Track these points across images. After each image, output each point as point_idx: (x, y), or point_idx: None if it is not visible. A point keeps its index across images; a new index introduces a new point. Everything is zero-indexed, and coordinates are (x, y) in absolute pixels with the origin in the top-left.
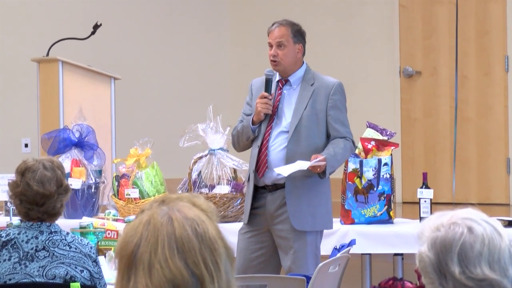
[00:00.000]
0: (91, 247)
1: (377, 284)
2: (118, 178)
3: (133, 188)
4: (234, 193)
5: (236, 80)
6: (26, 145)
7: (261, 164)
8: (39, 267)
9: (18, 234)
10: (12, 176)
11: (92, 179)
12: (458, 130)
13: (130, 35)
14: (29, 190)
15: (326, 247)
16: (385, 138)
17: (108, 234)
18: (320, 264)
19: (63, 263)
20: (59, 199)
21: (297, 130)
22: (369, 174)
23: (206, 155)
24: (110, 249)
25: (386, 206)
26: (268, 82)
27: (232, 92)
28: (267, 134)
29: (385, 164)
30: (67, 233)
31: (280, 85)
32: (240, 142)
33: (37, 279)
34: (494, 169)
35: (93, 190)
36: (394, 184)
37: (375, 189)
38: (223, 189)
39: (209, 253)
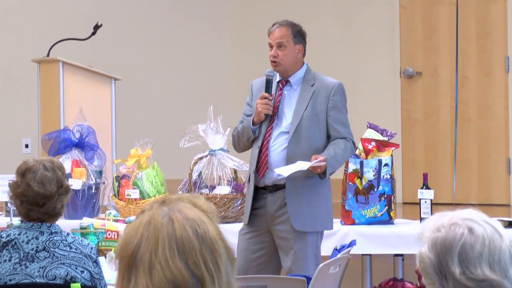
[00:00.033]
0: (91, 248)
1: (378, 284)
2: (119, 178)
3: (134, 188)
4: (235, 193)
5: (236, 81)
6: (26, 146)
7: (261, 165)
8: (40, 267)
9: (19, 234)
10: (12, 177)
11: (92, 180)
12: (459, 130)
13: (130, 36)
14: (30, 191)
15: (326, 248)
16: (386, 138)
17: (109, 234)
18: (321, 265)
19: (63, 263)
20: (59, 200)
21: (298, 130)
22: (369, 174)
23: (206, 156)
24: (111, 249)
25: (387, 207)
26: (268, 83)
27: (232, 92)
28: (267, 135)
29: (386, 164)
30: (68, 234)
31: (280, 85)
32: (240, 143)
33: (38, 280)
34: (494, 169)
35: (93, 190)
36: (395, 185)
37: (375, 189)
38: (224, 189)
39: (210, 254)
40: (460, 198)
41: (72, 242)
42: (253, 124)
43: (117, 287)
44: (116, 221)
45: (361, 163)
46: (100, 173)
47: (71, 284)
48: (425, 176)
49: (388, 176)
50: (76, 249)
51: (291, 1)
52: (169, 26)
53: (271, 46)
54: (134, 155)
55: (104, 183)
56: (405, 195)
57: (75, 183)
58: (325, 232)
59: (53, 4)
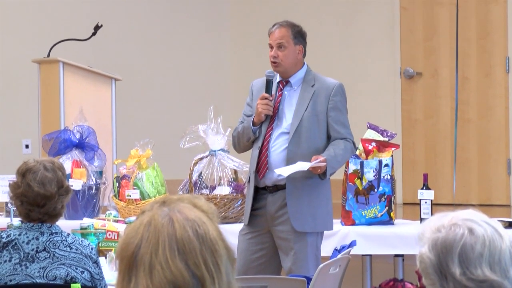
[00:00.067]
0: (91, 248)
1: (378, 285)
2: (119, 179)
3: (134, 189)
4: (235, 194)
5: (236, 81)
6: (26, 146)
7: (261, 165)
8: (40, 268)
9: (19, 235)
10: (12, 177)
11: (92, 180)
12: (459, 131)
13: (131, 36)
14: (30, 191)
15: (326, 248)
16: (386, 139)
17: (109, 235)
18: (321, 265)
19: (63, 264)
20: (59, 200)
21: (298, 131)
22: (369, 175)
23: (206, 156)
24: (111, 250)
25: (387, 207)
26: (268, 83)
27: (232, 93)
28: (267, 135)
29: (386, 165)
30: (68, 234)
31: (280, 86)
32: (240, 143)
33: (38, 280)
34: (494, 170)
35: (93, 191)
36: (395, 185)
37: (375, 190)
38: (224, 190)
39: (210, 254)
40: (460, 199)
41: (73, 242)
42: (253, 124)
43: (117, 287)
44: (117, 221)
45: (362, 164)
46: (100, 173)
47: (71, 285)
48: (425, 176)
49: (388, 177)
50: (76, 250)
51: (291, 1)
52: (169, 26)
53: (271, 47)
54: (135, 155)
55: (104, 183)
56: (405, 195)
57: (76, 184)
58: (325, 232)
59: (54, 5)
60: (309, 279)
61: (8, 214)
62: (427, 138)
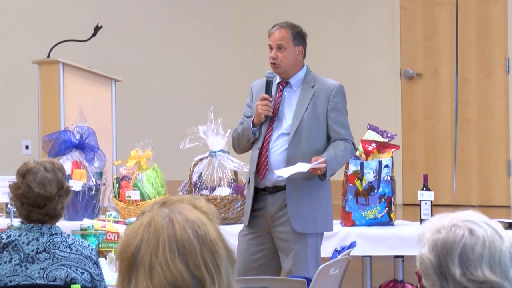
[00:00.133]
0: (91, 249)
1: (378, 286)
2: (119, 180)
3: (134, 190)
4: (235, 195)
5: (236, 82)
6: (26, 147)
7: (261, 166)
8: (40, 269)
9: (19, 236)
10: (13, 178)
11: (92, 181)
12: (459, 132)
13: (131, 37)
14: (30, 192)
15: (326, 249)
16: (386, 140)
17: (109, 236)
18: (321, 266)
19: (63, 265)
20: (60, 201)
21: (298, 132)
22: (369, 176)
23: (206, 157)
24: (111, 251)
25: (387, 208)
26: (268, 84)
27: (232, 94)
28: (267, 136)
29: (386, 166)
30: (68, 235)
31: (280, 87)
32: (240, 144)
33: (38, 281)
34: (494, 171)
35: (93, 192)
36: (395, 186)
37: (375, 191)
38: (224, 191)
39: (210, 255)
40: (460, 200)
41: (73, 243)
42: (253, 125)
43: None
44: (117, 222)
45: (362, 165)
46: (100, 174)
47: (71, 286)
48: (425, 177)
49: (388, 178)
50: (76, 251)
51: (292, 2)
52: (169, 27)
53: (271, 48)
54: (135, 156)
55: (104, 184)
56: (405, 196)
57: (76, 185)
58: (325, 233)
59: (54, 6)
60: (309, 280)
61: (8, 215)
62: (427, 139)
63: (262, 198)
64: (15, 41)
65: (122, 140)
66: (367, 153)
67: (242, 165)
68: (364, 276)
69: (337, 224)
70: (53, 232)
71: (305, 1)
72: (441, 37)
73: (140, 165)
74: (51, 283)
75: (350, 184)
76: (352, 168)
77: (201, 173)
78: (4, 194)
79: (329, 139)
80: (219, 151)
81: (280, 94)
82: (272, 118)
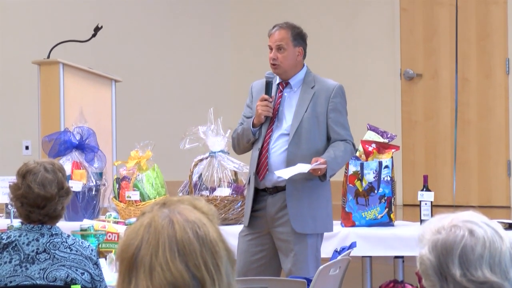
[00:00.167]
0: (92, 250)
1: (378, 286)
2: (119, 180)
3: (134, 190)
4: (235, 195)
5: (236, 83)
6: (27, 148)
7: (261, 167)
8: (40, 269)
9: (19, 236)
10: (13, 179)
11: (92, 182)
12: (459, 132)
13: (131, 38)
14: (30, 193)
15: (326, 250)
16: (386, 140)
17: (109, 236)
18: (321, 267)
19: (64, 265)
20: (60, 202)
21: (298, 132)
22: (369, 176)
23: (206, 158)
24: (111, 251)
25: (387, 209)
26: (268, 85)
27: (232, 94)
28: (267, 137)
29: (386, 166)
30: (68, 236)
31: (280, 87)
32: (240, 145)
33: (38, 282)
34: (494, 171)
35: (93, 192)
36: (395, 187)
37: (375, 191)
38: (224, 191)
39: (210, 256)
40: (460, 200)
41: (73, 244)
42: (253, 126)
43: None
44: (117, 223)
45: (362, 165)
46: (100, 175)
47: (72, 286)
48: (425, 178)
49: (388, 178)
50: (76, 251)
51: (292, 2)
52: (169, 28)
53: (271, 49)
54: (135, 157)
55: (104, 185)
56: (405, 197)
57: (76, 185)
58: (325, 234)
59: (54, 6)
60: (309, 281)
61: (8, 215)
62: (427, 139)
63: (262, 198)
64: (15, 41)
65: (122, 141)
66: (367, 154)
67: (242, 165)
68: (364, 276)
69: (337, 225)
70: (53, 232)
71: (305, 1)
72: (441, 37)
73: (140, 165)
74: (51, 283)
75: (350, 185)
76: (352, 168)
77: (201, 174)
78: (4, 194)
79: (329, 140)
80: (219, 151)
81: (280, 94)
82: (272, 119)
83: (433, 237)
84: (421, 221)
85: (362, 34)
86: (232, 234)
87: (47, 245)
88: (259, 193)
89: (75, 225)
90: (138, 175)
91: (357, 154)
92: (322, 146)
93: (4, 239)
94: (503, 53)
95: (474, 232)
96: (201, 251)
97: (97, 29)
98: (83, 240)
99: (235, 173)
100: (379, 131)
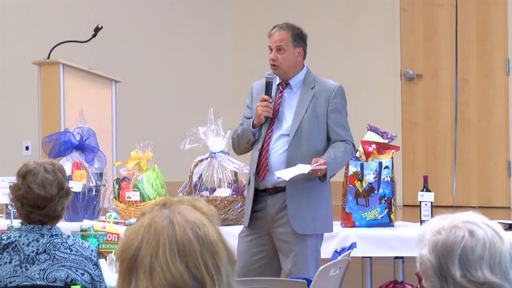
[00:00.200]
0: (92, 250)
1: (378, 287)
2: (119, 181)
3: (134, 191)
4: (235, 196)
5: (237, 83)
6: (27, 148)
7: (261, 167)
8: (40, 270)
9: (19, 237)
10: (13, 179)
11: (93, 182)
12: (459, 133)
13: (131, 38)
14: (30, 193)
15: (326, 250)
16: (386, 141)
17: (109, 237)
18: (321, 267)
19: (64, 266)
20: (60, 202)
21: (298, 133)
22: (370, 177)
23: (207, 158)
24: (111, 252)
25: (387, 209)
26: (268, 85)
27: (233, 95)
28: (267, 137)
29: (386, 167)
30: (68, 236)
31: (280, 88)
32: (240, 145)
33: (38, 282)
34: (495, 172)
35: (94, 193)
36: (395, 187)
37: (375, 192)
38: (224, 192)
39: (210, 257)
40: (461, 201)
41: (73, 244)
42: (253, 126)
43: None
44: (117, 223)
45: (362, 166)
46: (100, 175)
47: (72, 287)
48: (425, 178)
49: (389, 179)
50: (76, 252)
51: (292, 2)
52: (169, 28)
53: (271, 49)
54: (135, 157)
55: (104, 185)
56: (406, 197)
57: (76, 186)
58: (326, 234)
59: (54, 7)
60: (309, 281)
61: (8, 216)
62: (427, 140)
63: (262, 199)
64: (15, 42)
65: (122, 141)
66: (367, 154)
67: (242, 166)
68: (364, 277)
69: (337, 225)
70: (53, 233)
71: (305, 2)
72: (441, 38)
73: (140, 166)
74: (51, 284)
75: (350, 185)
76: (352, 169)
77: (201, 174)
78: (4, 195)
79: (329, 140)
80: (219, 152)
81: (280, 95)
82: (272, 119)
83: (433, 237)
84: (421, 221)
85: (362, 34)
86: (232, 234)
87: (47, 245)
88: (259, 194)
89: (75, 226)
90: (138, 175)
91: (357, 154)
92: (322, 147)
93: (4, 239)
94: (503, 53)
95: (474, 233)
96: (201, 251)
97: (97, 29)
98: (83, 241)
99: (235, 174)
100: (379, 132)
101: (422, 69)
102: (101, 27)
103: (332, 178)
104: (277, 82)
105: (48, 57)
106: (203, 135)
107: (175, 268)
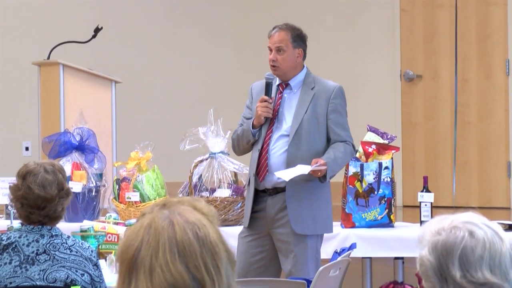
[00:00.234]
0: (91, 251)
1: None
2: (119, 181)
3: (134, 191)
4: (235, 196)
5: (236, 84)
6: (27, 149)
7: (261, 168)
8: (40, 270)
9: (19, 237)
10: (13, 180)
11: (92, 183)
12: (459, 133)
13: (131, 39)
14: (30, 194)
15: (326, 251)
16: (386, 141)
17: (109, 237)
18: (321, 268)
19: (63, 266)
20: (60, 203)
21: (298, 134)
22: (369, 177)
23: (206, 159)
24: (111, 252)
25: (387, 210)
26: (268, 86)
27: (232, 95)
28: (267, 138)
29: (386, 167)
30: (68, 237)
31: (280, 89)
32: (240, 146)
33: (38, 283)
34: (494, 172)
35: (93, 193)
36: (395, 188)
37: (375, 192)
38: (224, 192)
39: (210, 257)
40: (460, 201)
41: (73, 245)
42: (253, 127)
43: None
44: (117, 224)
45: (362, 166)
46: (100, 176)
47: (71, 287)
48: (425, 179)
49: (388, 179)
50: (76, 252)
51: (292, 2)
52: (169, 28)
53: (271, 50)
54: (135, 158)
55: (104, 186)
56: (405, 198)
57: (76, 186)
58: (325, 235)
59: (54, 7)
60: (309, 282)
61: (8, 216)
62: (427, 140)
63: (262, 199)
64: (15, 42)
65: (122, 142)
66: (367, 155)
67: (242, 166)
68: (364, 277)
69: (337, 226)
70: (53, 233)
71: (305, 2)
72: (441, 38)
73: (140, 166)
74: (51, 284)
75: (350, 186)
76: (352, 169)
77: (201, 175)
78: (4, 195)
79: (329, 141)
80: (219, 152)
81: (280, 95)
82: (272, 120)
83: (433, 238)
84: (421, 222)
85: (362, 35)
86: (232, 235)
87: (47, 246)
88: (259, 194)
89: (75, 226)
90: (138, 176)
91: (357, 155)
92: (322, 147)
93: (4, 240)
94: (503, 54)
95: (474, 233)
96: (201, 252)
97: (97, 30)
98: (83, 241)
99: (235, 174)
100: (379, 132)
101: (422, 69)
102: (101, 28)
103: (332, 178)
104: (277, 82)
105: (48, 58)
106: (203, 135)
107: (175, 268)
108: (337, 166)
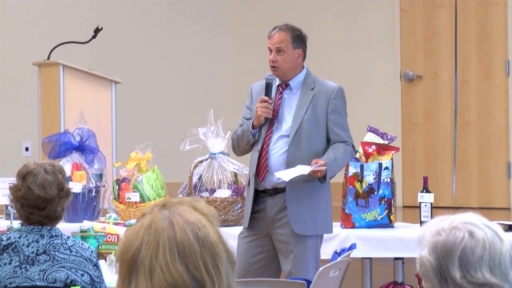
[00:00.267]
0: (91, 251)
1: None
2: (119, 182)
3: (134, 192)
4: (235, 197)
5: (236, 84)
6: (26, 149)
7: (261, 168)
8: (40, 271)
9: (19, 238)
10: (13, 180)
11: (92, 183)
12: (459, 134)
13: (131, 39)
14: (30, 194)
15: (326, 251)
16: (386, 142)
17: (109, 238)
18: (321, 268)
19: (63, 267)
20: (60, 203)
21: (298, 134)
22: (369, 178)
23: (206, 159)
24: (111, 253)
25: (387, 210)
26: (268, 86)
27: (232, 96)
28: (267, 138)
29: (386, 168)
30: (68, 237)
31: (280, 89)
32: (240, 146)
33: (38, 283)
34: (494, 173)
35: (93, 194)
36: (395, 188)
37: (375, 193)
38: (224, 193)
39: (210, 258)
40: (460, 202)
41: (73, 245)
42: (253, 127)
43: None
44: (116, 224)
45: (361, 167)
46: (100, 176)
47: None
48: (425, 179)
49: (388, 180)
50: (76, 253)
51: (292, 3)
52: (169, 29)
53: (271, 51)
54: (135, 158)
55: (104, 186)
56: (405, 198)
57: (76, 186)
58: (325, 235)
59: (54, 7)
60: (309, 282)
61: (8, 216)
62: (427, 141)
63: (262, 200)
64: (15, 42)
65: (122, 142)
66: (367, 155)
67: (242, 167)
68: (364, 278)
69: (337, 226)
70: (53, 234)
71: (305, 2)
72: (441, 39)
73: (140, 167)
74: (51, 285)
75: (350, 186)
76: (352, 170)
77: (201, 175)
78: (4, 196)
79: (328, 141)
80: (219, 153)
81: (280, 96)
82: (272, 120)
83: (433, 238)
84: (421, 222)
85: (362, 35)
86: (232, 235)
87: (47, 246)
88: (259, 195)
89: (75, 227)
90: (138, 176)
91: (357, 155)
92: (322, 148)
93: (4, 240)
94: (503, 54)
95: (474, 234)
96: (201, 252)
97: (97, 30)
98: (83, 242)
99: (235, 175)
100: (379, 133)
101: (422, 70)
102: (101, 28)
103: (332, 179)
104: (277, 83)
105: (48, 58)
106: (203, 136)
107: (175, 269)
108: (337, 166)
